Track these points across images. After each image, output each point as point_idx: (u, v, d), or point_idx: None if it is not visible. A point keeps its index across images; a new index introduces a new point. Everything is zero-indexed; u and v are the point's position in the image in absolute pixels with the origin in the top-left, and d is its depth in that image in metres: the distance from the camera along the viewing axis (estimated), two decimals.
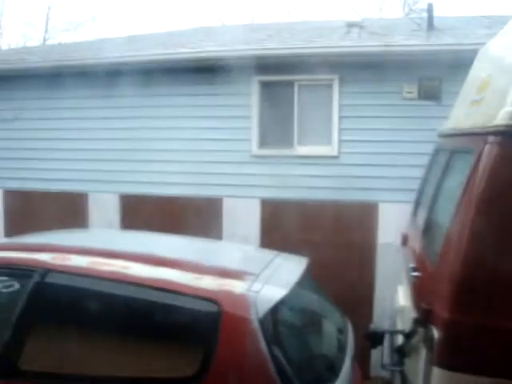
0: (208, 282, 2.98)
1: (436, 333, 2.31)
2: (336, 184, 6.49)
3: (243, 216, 6.54)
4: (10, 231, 7.20)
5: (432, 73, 6.19)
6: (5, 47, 23.13)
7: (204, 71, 6.81)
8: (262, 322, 2.72)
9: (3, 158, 7.69)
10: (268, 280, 3.13)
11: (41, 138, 7.55)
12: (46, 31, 27.04)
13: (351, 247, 6.07)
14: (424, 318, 2.50)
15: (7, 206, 7.58)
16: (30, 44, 22.63)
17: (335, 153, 6.64)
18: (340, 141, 6.61)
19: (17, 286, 3.28)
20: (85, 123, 7.34)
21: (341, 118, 6.60)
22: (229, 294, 2.87)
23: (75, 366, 2.90)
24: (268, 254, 3.90)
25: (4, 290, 3.42)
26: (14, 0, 38.30)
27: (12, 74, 7.48)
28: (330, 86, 6.66)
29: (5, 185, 7.67)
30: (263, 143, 6.86)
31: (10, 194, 7.60)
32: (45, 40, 25.97)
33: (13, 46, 22.37)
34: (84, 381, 2.82)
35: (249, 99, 6.88)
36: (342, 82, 6.58)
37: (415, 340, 2.82)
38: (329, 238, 6.12)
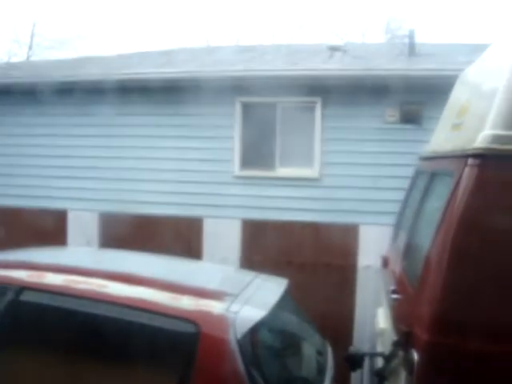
0: (186, 302, 2.94)
1: (416, 355, 2.30)
2: (317, 206, 6.50)
3: (223, 236, 6.51)
4: None
5: (413, 97, 6.28)
6: None
7: (187, 91, 6.82)
8: (240, 343, 2.68)
9: None
10: (247, 301, 3.11)
11: (20, 154, 7.48)
12: (31, 48, 26.97)
13: (332, 269, 6.05)
14: (404, 340, 2.49)
15: None
16: (14, 60, 22.50)
17: (317, 175, 6.66)
18: (322, 163, 6.64)
19: None
20: (63, 140, 7.29)
21: (323, 140, 6.64)
22: (207, 315, 2.84)
23: None
24: (247, 274, 3.87)
25: None
26: None
27: None
28: (312, 109, 6.71)
29: None
30: (245, 164, 6.86)
31: None
32: (29, 57, 25.88)
33: None
34: None
35: (231, 120, 6.89)
36: (324, 104, 6.63)
37: (395, 363, 2.80)
38: (309, 260, 6.11)
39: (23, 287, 3.08)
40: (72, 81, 7.06)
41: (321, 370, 3.42)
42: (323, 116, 6.65)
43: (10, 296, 3.04)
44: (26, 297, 3.04)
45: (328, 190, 6.57)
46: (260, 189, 6.69)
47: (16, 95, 7.35)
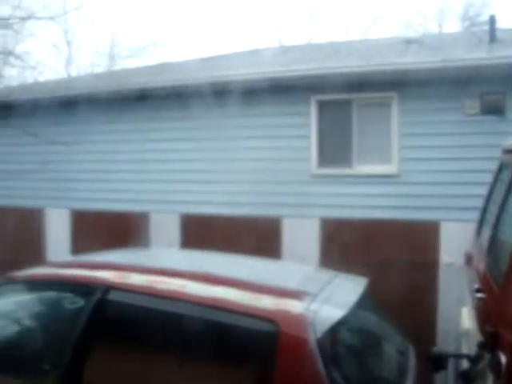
0: (266, 302, 2.97)
1: (503, 358, 2.21)
2: (397, 203, 6.37)
3: (302, 236, 6.52)
4: (76, 250, 7.48)
5: (495, 87, 6.01)
6: (74, 75, 24.22)
7: (263, 92, 6.89)
8: (320, 342, 2.68)
9: (70, 179, 8.02)
10: (326, 300, 3.10)
11: (104, 160, 7.85)
12: (111, 58, 28.14)
13: (412, 267, 5.91)
14: (490, 342, 2.40)
15: (75, 225, 7.88)
16: (96, 71, 23.57)
17: (395, 171, 6.53)
18: (400, 159, 6.50)
19: (81, 302, 3.40)
20: (145, 145, 7.58)
21: (401, 135, 6.50)
22: (286, 314, 2.86)
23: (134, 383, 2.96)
24: (327, 274, 3.86)
25: (69, 307, 3.55)
26: (81, 29, 40.25)
27: (77, 99, 7.79)
28: (388, 104, 6.58)
29: (72, 205, 7.99)
30: (322, 162, 6.84)
31: (77, 214, 7.90)
32: (110, 66, 27.01)
33: (81, 73, 23.38)
34: None
35: (308, 119, 6.89)
36: (401, 99, 6.49)
37: (481, 365, 2.70)
38: (389, 258, 5.99)
39: (110, 287, 3.24)
40: (152, 87, 7.32)
41: (402, 371, 3.36)
42: (400, 111, 6.51)
43: (97, 295, 3.20)
44: (112, 296, 3.20)
45: (407, 186, 6.42)
46: (338, 187, 6.65)
47: (100, 103, 7.72)
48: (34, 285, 3.77)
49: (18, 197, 8.31)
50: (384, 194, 6.46)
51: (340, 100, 6.81)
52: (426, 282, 5.96)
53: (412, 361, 3.60)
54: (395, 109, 6.53)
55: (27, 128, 7.56)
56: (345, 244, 6.12)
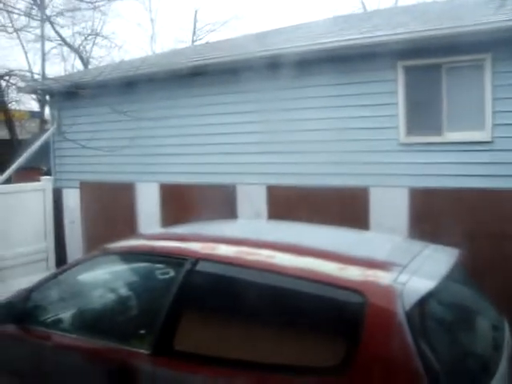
0: (353, 273, 2.94)
1: None
2: (489, 171, 6.06)
3: (390, 206, 6.36)
4: (165, 222, 7.75)
5: None
6: (158, 52, 24.82)
7: (348, 60, 6.73)
8: (408, 315, 2.63)
9: (158, 154, 8.28)
10: (416, 271, 3.02)
11: (190, 134, 8.02)
12: (194, 33, 28.55)
13: (508, 238, 5.62)
14: None
15: (164, 198, 8.16)
16: (180, 46, 24.03)
17: (489, 138, 6.19)
18: (494, 125, 6.15)
19: (172, 273, 3.54)
20: (229, 118, 7.65)
21: (494, 99, 6.13)
22: (374, 285, 2.82)
23: (221, 350, 3.05)
24: (416, 244, 3.76)
25: (161, 277, 3.70)
26: (164, 6, 40.97)
27: (161, 76, 7.97)
28: (481, 67, 6.22)
29: (160, 179, 8.26)
30: (411, 130, 6.61)
31: (165, 187, 8.17)
32: (193, 41, 27.44)
33: (165, 50, 23.95)
34: (229, 364, 2.94)
35: (394, 86, 6.66)
36: (494, 61, 6.10)
37: None
38: (482, 229, 5.73)
39: (198, 258, 3.33)
40: (233, 60, 7.34)
41: (497, 347, 3.22)
42: (494, 73, 6.12)
43: (187, 267, 3.30)
44: (201, 267, 3.29)
45: (501, 153, 6.08)
46: (427, 155, 6.41)
47: (184, 79, 7.87)
48: (127, 256, 3.96)
49: (110, 172, 8.69)
50: (476, 162, 6.17)
51: (428, 64, 6.51)
52: None
53: (508, 336, 3.46)
54: (488, 71, 6.15)
55: (116, 106, 7.84)
56: (435, 214, 5.92)
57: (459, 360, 2.88)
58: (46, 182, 9.25)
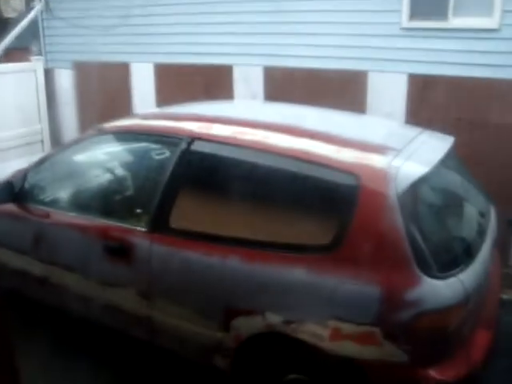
0: (348, 155, 2.96)
1: None
2: (494, 60, 5.87)
3: (388, 91, 6.22)
4: (160, 102, 7.64)
5: None
6: None
7: None
8: (400, 198, 2.68)
9: (153, 33, 7.98)
10: (410, 156, 3.04)
11: (186, 12, 7.66)
12: None
13: (505, 129, 5.60)
14: None
15: (159, 78, 7.96)
16: None
17: (496, 25, 5.93)
18: (503, 11, 5.87)
19: (167, 152, 3.55)
20: None
21: None
22: (368, 168, 2.84)
23: (215, 227, 3.13)
24: (412, 130, 3.75)
25: (157, 157, 3.72)
26: None
27: None
28: None
29: (155, 59, 8.02)
30: (414, 15, 6.31)
31: (159, 68, 7.95)
32: None
33: None
34: (223, 241, 3.04)
35: None
36: None
37: None
38: (480, 118, 5.68)
39: (194, 137, 3.32)
40: None
41: (481, 232, 3.32)
42: None
43: (182, 146, 3.30)
44: (197, 146, 3.29)
45: (508, 42, 5.86)
46: (430, 41, 6.18)
47: None
48: (123, 136, 3.95)
49: (104, 52, 8.41)
50: (480, 51, 5.96)
51: None
52: None
53: (493, 222, 3.56)
54: None
55: None
56: (433, 102, 5.83)
57: (445, 243, 2.98)
58: (36, 63, 8.97)
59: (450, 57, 5.97)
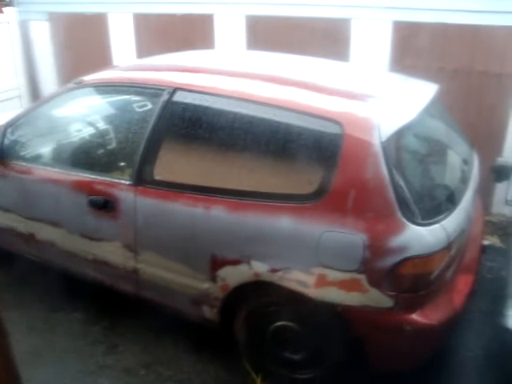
0: (331, 103, 2.94)
1: None
2: (479, 6, 5.71)
3: (372, 39, 6.11)
4: (140, 54, 7.47)
5: None
6: None
7: None
8: (384, 146, 2.68)
9: None
10: (393, 104, 3.04)
11: None
12: None
13: (488, 77, 5.57)
14: None
15: (137, 29, 7.75)
16: None
17: None
18: None
19: (149, 104, 3.49)
20: None
21: None
22: (352, 116, 2.83)
23: (199, 178, 3.12)
24: (396, 78, 3.73)
25: (139, 109, 3.66)
26: None
27: None
28: None
29: (133, 9, 7.78)
30: None
31: (139, 18, 7.73)
32: None
33: None
34: (208, 191, 3.03)
35: None
36: None
37: None
38: (464, 66, 5.63)
39: (176, 88, 3.27)
40: None
41: (464, 179, 3.37)
42: None
43: (164, 97, 3.26)
44: (179, 97, 3.24)
45: None
46: None
47: None
48: (103, 88, 3.86)
49: (81, 3, 8.13)
50: None
51: None
52: (500, 93, 5.64)
53: (475, 169, 3.60)
54: None
55: None
56: (417, 49, 5.74)
57: (429, 190, 3.02)
58: (9, 14, 8.66)
59: (435, 2, 5.86)
